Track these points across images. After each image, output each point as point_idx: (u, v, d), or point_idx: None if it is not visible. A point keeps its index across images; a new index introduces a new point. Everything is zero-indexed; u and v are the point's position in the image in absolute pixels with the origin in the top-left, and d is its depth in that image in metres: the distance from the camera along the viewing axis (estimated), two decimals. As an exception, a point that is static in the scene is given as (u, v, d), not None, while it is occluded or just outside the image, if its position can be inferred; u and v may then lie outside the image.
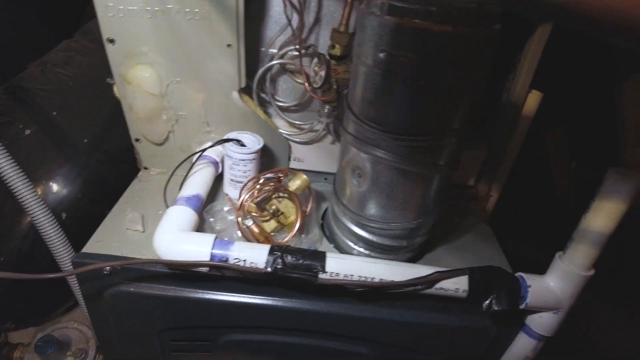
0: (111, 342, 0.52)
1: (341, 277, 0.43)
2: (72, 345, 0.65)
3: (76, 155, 0.74)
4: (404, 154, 0.41)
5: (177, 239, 0.43)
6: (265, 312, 0.48)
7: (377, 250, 0.50)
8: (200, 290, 0.47)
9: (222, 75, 0.50)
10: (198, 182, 0.51)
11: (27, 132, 0.71)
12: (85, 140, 0.76)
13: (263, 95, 0.57)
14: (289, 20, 0.51)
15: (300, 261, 0.43)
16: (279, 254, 0.43)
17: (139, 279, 0.46)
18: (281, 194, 0.49)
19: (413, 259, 0.53)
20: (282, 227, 0.50)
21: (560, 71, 0.69)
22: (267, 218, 0.49)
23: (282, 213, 0.49)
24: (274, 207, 0.49)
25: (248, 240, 0.48)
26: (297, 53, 0.52)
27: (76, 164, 0.73)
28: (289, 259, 0.43)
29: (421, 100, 0.38)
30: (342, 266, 0.43)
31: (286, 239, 0.49)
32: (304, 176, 0.51)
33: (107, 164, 0.77)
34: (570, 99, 0.76)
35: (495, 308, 0.44)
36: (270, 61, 0.54)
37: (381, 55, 0.38)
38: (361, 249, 0.50)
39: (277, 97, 0.58)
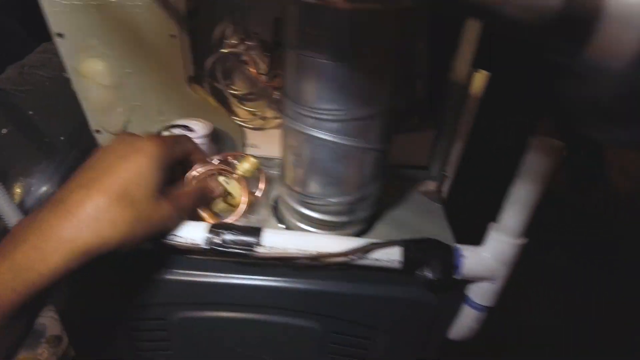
0: (76, 330, 0.55)
1: (278, 250, 0.45)
2: (47, 332, 0.68)
3: (53, 152, 0.77)
4: (332, 130, 0.43)
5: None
6: (213, 289, 0.50)
7: (321, 227, 0.52)
8: (153, 269, 0.49)
9: (169, 65, 0.53)
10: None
11: (4, 131, 0.75)
12: (62, 138, 0.79)
13: (218, 84, 0.60)
14: (231, 10, 0.53)
15: (238, 237, 0.45)
16: (217, 230, 0.45)
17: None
18: (229, 177, 0.51)
19: (360, 236, 0.54)
20: (231, 207, 0.52)
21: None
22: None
23: (230, 194, 0.52)
24: (221, 188, 0.51)
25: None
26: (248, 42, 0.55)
27: (53, 161, 0.77)
28: (227, 235, 0.45)
29: (339, 77, 0.40)
30: (278, 240, 0.45)
31: (232, 219, 0.51)
32: (253, 159, 0.53)
33: (84, 160, 0.80)
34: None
35: (428, 276, 0.45)
36: (215, 49, 0.56)
37: (298, 34, 0.40)
38: (307, 227, 0.52)
39: (233, 87, 0.61)
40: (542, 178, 0.42)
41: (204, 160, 0.49)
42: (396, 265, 0.46)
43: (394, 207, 0.60)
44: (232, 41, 0.56)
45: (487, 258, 0.47)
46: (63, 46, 0.51)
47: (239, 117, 0.62)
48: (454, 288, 0.49)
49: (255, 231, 0.46)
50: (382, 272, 0.48)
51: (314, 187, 0.48)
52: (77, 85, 0.54)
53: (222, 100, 0.61)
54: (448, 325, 0.53)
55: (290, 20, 0.40)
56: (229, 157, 0.53)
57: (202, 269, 0.49)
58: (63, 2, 0.47)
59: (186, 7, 0.50)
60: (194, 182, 0.48)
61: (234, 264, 0.48)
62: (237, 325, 0.54)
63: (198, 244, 0.45)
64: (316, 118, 0.43)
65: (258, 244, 0.45)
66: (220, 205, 0.52)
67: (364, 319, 0.52)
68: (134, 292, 0.50)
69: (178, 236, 0.45)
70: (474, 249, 0.47)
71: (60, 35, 0.50)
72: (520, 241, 0.45)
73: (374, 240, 0.46)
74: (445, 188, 0.67)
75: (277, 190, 0.58)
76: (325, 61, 0.39)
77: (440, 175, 0.64)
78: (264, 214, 0.54)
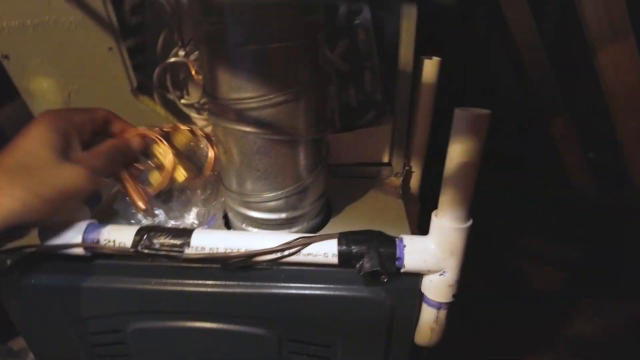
0: (33, 340, 0.55)
1: (207, 251, 0.44)
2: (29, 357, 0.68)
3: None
4: (250, 121, 0.42)
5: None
6: (156, 296, 0.48)
7: (266, 227, 0.50)
8: (101, 277, 0.48)
9: (112, 77, 0.54)
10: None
11: None
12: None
13: (169, 95, 0.60)
14: (167, 18, 0.54)
15: (166, 239, 0.44)
16: (145, 232, 0.44)
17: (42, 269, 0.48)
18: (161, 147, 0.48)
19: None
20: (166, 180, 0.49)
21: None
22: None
23: (162, 165, 0.48)
24: (154, 159, 0.48)
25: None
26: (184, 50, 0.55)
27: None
28: (155, 237, 0.44)
29: (246, 63, 0.39)
30: (207, 240, 0.44)
31: (154, 189, 0.48)
32: (187, 131, 0.50)
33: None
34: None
35: (367, 266, 0.42)
36: (162, 61, 0.57)
37: (201, 27, 0.39)
38: (249, 228, 0.50)
39: (187, 97, 0.61)
40: (471, 152, 0.38)
41: (129, 128, 0.47)
42: (332, 259, 0.43)
43: (352, 205, 0.57)
44: (178, 51, 0.57)
45: (431, 247, 0.43)
46: (10, 67, 0.53)
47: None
48: (406, 283, 0.45)
49: (186, 232, 0.44)
50: (331, 272, 0.45)
51: (247, 184, 0.47)
52: (30, 105, 0.56)
53: (178, 111, 0.62)
54: (409, 327, 0.49)
55: (192, 13, 0.40)
56: (165, 129, 0.50)
57: (138, 275, 0.48)
58: (3, 24, 0.50)
59: (130, 19, 0.51)
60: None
61: (170, 268, 0.47)
62: (191, 335, 0.52)
63: (126, 247, 0.44)
64: (234, 110, 0.42)
65: (187, 245, 0.44)
66: (155, 176, 0.49)
67: (317, 323, 0.49)
68: (72, 304, 0.50)
69: (106, 239, 0.44)
70: (418, 238, 0.44)
71: (5, 56, 0.52)
72: (462, 225, 0.41)
73: (307, 235, 0.44)
74: (414, 183, 0.64)
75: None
76: (230, 49, 0.39)
77: (403, 170, 0.61)
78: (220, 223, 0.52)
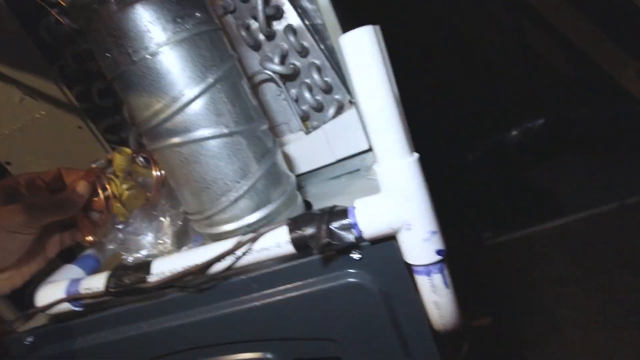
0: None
1: (167, 274, 0.42)
2: None
3: None
4: (170, 133, 0.42)
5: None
6: (158, 338, 0.47)
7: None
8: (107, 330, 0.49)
9: (88, 152, 0.59)
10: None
11: None
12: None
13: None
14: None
15: (130, 273, 0.44)
16: (113, 272, 0.45)
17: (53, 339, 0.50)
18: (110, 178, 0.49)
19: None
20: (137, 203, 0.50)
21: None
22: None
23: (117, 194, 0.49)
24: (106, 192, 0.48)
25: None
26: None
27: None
28: (123, 276, 0.44)
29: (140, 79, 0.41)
30: (166, 265, 0.43)
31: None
32: (125, 150, 0.50)
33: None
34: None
35: (322, 243, 0.37)
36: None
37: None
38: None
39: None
40: (375, 71, 0.34)
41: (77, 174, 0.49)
42: (288, 247, 0.39)
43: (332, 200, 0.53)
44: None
45: (383, 200, 0.37)
46: (14, 171, 0.61)
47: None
48: (381, 252, 0.39)
49: (146, 264, 0.44)
50: (300, 265, 0.41)
51: (193, 200, 0.46)
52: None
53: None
54: (416, 310, 0.41)
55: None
56: (108, 157, 0.51)
57: (128, 321, 0.47)
58: (-2, 135, 0.58)
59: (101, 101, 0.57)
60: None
61: (154, 306, 0.46)
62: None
63: (100, 291, 0.44)
64: (153, 128, 0.42)
65: (149, 274, 0.43)
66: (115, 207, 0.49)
67: (312, 332, 0.44)
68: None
69: (87, 288, 0.45)
70: (369, 198, 0.38)
71: (8, 163, 0.60)
72: (406, 160, 0.35)
73: (259, 229, 0.41)
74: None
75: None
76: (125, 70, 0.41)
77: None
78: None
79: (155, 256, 0.47)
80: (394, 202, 0.36)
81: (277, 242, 0.39)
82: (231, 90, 0.43)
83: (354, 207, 0.38)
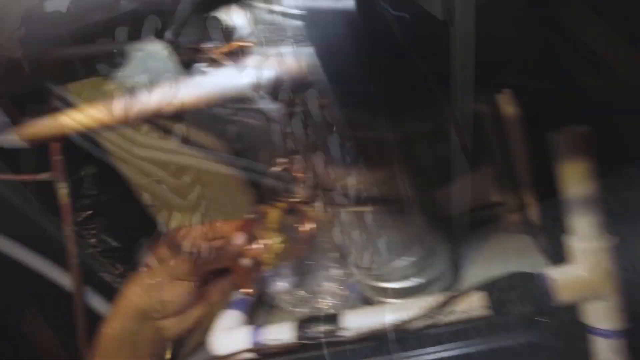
0: None
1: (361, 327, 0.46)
2: None
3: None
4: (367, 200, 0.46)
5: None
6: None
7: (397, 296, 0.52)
8: None
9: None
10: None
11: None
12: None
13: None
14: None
15: (320, 325, 0.47)
16: (301, 323, 0.48)
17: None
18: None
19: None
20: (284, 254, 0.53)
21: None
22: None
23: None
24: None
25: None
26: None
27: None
28: (311, 327, 0.48)
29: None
30: (361, 318, 0.47)
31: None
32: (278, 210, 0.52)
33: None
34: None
35: (520, 309, 0.42)
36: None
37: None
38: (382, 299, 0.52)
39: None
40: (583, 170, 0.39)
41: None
42: (485, 311, 0.44)
43: (478, 254, 0.57)
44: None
45: (580, 273, 0.42)
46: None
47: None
48: (566, 318, 0.44)
49: (332, 316, 0.47)
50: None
51: (376, 257, 0.50)
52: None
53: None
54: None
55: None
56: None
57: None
58: None
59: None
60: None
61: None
62: None
63: (292, 342, 0.48)
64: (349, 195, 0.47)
65: (340, 327, 0.47)
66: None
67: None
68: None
69: (271, 339, 0.48)
70: (562, 269, 0.43)
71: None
72: (601, 242, 0.41)
73: (452, 293, 0.45)
74: (534, 215, 0.63)
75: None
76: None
77: (518, 204, 0.61)
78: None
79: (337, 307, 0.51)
80: (590, 277, 0.41)
81: (475, 307, 0.44)
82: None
83: (546, 277, 0.43)
